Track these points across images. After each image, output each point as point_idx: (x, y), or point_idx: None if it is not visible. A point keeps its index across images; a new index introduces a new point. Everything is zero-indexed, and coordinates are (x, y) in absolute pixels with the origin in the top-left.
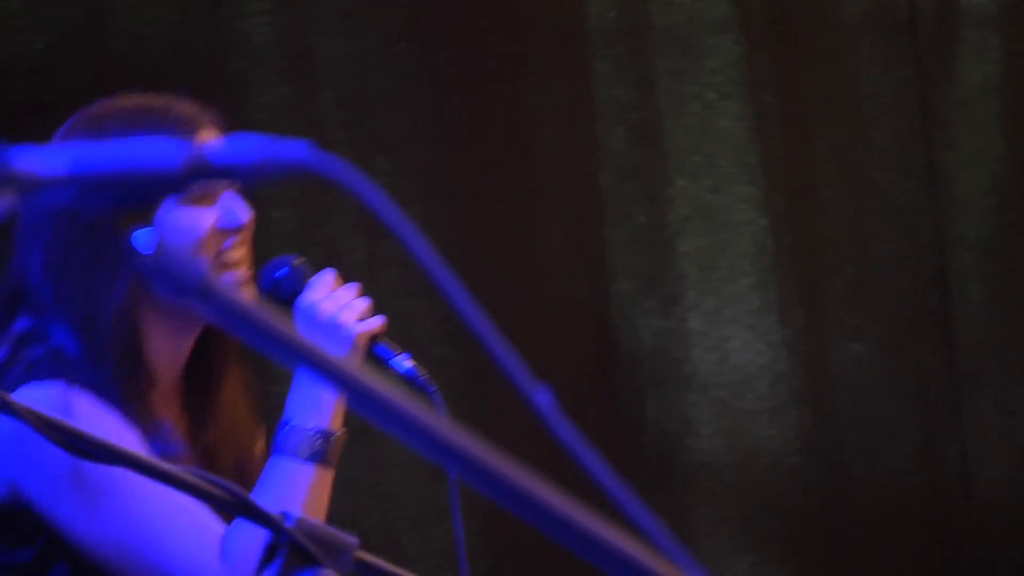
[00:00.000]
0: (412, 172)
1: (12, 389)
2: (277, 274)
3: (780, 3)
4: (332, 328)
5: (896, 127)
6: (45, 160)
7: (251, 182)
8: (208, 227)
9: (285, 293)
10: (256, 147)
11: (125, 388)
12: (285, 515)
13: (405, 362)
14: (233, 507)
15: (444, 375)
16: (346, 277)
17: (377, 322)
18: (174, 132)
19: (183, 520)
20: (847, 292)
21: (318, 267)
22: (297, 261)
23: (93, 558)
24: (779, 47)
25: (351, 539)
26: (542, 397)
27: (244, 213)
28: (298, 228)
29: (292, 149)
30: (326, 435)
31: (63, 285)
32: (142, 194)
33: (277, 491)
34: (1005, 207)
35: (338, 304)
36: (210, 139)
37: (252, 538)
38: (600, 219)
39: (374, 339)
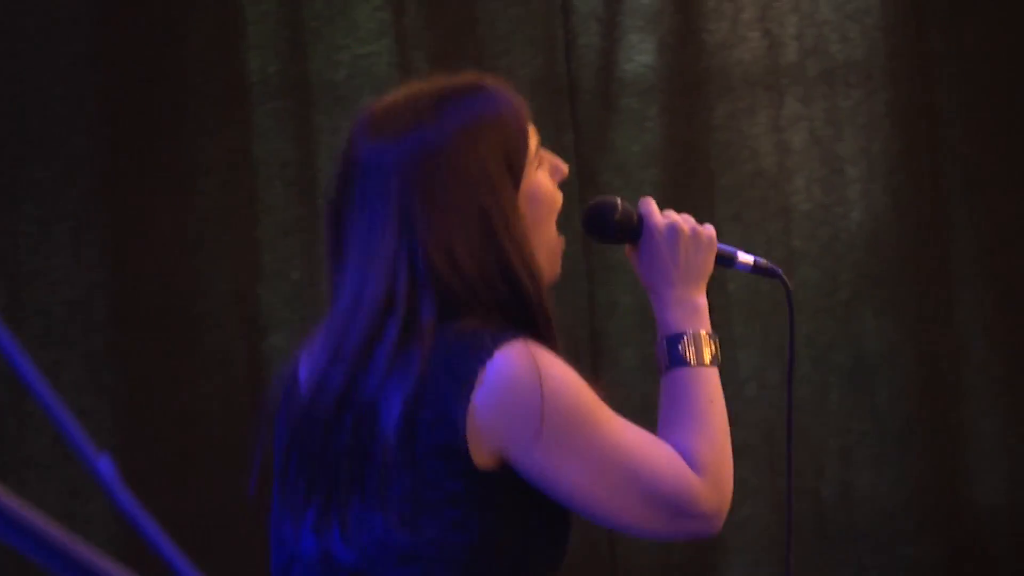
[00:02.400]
0: (64, 219)
1: (483, 363)
2: (616, 216)
3: (446, 60)
4: (696, 237)
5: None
6: None
7: None
8: (555, 191)
9: (624, 230)
10: None
11: (549, 326)
12: None
13: (748, 257)
14: None
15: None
16: None
17: (711, 227)
18: (519, 118)
19: (652, 444)
20: None
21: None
22: (618, 199)
23: (583, 508)
24: None
25: None
26: (105, 465)
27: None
28: None
29: None
30: (715, 337)
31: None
32: None
33: (701, 400)
34: None
35: (680, 217)
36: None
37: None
38: (255, 275)
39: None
